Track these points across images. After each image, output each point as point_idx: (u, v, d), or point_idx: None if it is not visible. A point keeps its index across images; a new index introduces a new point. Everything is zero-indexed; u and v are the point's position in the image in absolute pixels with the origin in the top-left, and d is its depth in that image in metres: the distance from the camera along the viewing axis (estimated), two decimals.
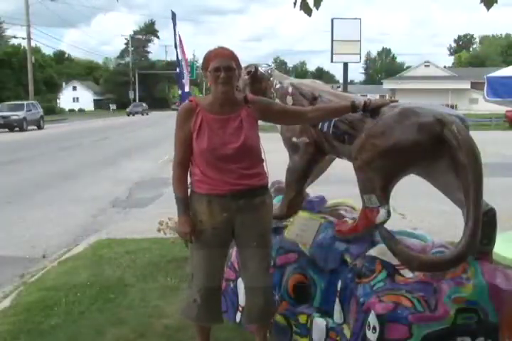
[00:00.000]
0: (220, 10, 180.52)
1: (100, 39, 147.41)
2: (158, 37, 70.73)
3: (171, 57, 71.41)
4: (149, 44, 70.21)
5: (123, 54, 67.64)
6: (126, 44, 65.90)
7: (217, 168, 2.42)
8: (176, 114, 2.50)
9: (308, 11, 2.92)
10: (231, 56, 2.43)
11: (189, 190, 2.54)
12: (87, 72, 76.98)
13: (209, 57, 2.42)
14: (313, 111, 2.62)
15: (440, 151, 2.38)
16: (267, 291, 2.59)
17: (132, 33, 68.19)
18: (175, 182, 2.50)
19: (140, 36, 67.79)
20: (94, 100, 69.62)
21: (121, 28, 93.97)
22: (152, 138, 19.94)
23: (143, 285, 4.01)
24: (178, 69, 4.39)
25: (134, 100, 58.32)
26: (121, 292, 3.81)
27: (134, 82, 59.82)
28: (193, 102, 2.50)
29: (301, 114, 2.63)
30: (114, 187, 9.09)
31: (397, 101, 2.66)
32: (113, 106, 57.08)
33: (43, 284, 4.13)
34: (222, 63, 2.38)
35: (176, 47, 4.68)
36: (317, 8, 2.91)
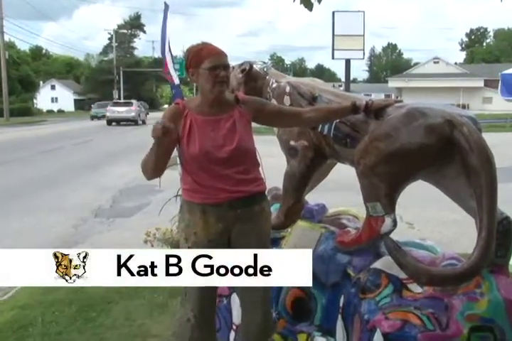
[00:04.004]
0: (214, 2, 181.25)
1: (81, 34, 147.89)
2: (144, 31, 70.63)
3: (159, 53, 71.37)
4: (135, 39, 70.17)
5: (106, 50, 67.53)
6: (110, 39, 65.91)
7: (211, 174, 2.41)
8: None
9: (309, 6, 2.91)
10: (224, 53, 2.45)
11: (181, 199, 2.53)
12: (66, 69, 77.09)
13: (201, 54, 2.41)
14: (311, 112, 2.62)
15: (450, 155, 2.39)
16: (265, 307, 2.58)
17: (116, 27, 68.20)
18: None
19: (125, 31, 67.67)
20: (74, 100, 69.53)
21: (105, 22, 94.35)
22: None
23: (127, 302, 4.00)
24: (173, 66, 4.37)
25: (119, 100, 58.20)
26: (103, 310, 3.80)
27: (119, 80, 59.77)
28: (180, 104, 2.50)
29: (297, 114, 2.64)
30: (96, 194, 9.07)
31: (401, 101, 2.67)
32: None
33: (16, 302, 4.11)
34: (221, 61, 2.40)
35: (163, 41, 4.64)
36: (319, 2, 2.89)
